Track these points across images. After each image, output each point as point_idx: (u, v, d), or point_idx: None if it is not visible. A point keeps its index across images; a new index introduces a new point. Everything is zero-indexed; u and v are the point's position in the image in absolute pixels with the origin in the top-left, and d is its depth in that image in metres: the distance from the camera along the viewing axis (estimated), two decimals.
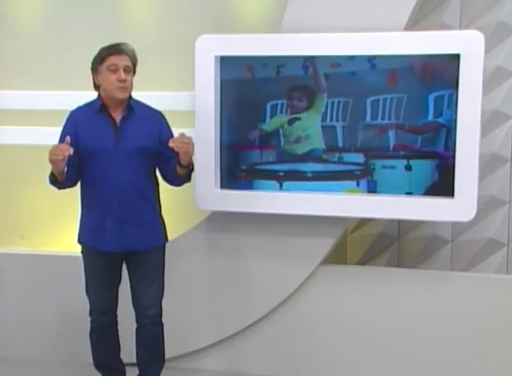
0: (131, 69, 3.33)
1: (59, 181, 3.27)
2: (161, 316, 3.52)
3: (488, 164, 4.01)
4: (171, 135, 3.37)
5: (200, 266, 4.03)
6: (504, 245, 4.14)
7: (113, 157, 3.30)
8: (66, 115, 3.43)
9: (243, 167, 3.82)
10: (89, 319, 3.52)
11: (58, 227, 4.28)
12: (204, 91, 3.73)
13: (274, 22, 3.86)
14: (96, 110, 3.35)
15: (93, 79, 3.37)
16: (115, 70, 3.27)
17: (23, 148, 4.23)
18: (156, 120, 3.44)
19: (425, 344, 3.81)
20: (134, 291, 3.48)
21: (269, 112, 3.75)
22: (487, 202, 4.04)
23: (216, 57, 3.72)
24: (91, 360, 3.61)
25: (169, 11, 4.10)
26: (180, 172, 3.36)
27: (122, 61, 3.29)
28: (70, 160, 3.19)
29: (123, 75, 3.27)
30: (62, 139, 3.31)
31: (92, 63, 3.34)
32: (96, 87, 3.37)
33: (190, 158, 3.31)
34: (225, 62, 3.74)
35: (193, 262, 4.03)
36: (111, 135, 3.32)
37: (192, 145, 3.24)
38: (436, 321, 3.79)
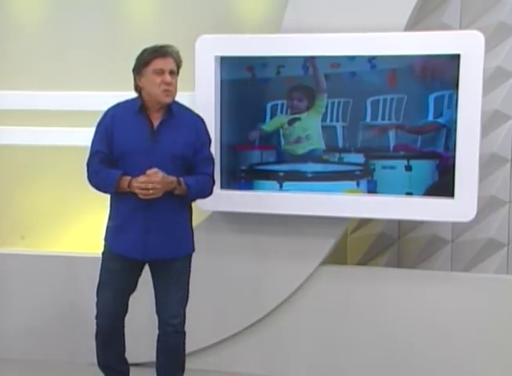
0: (176, 72, 3.26)
1: (108, 191, 3.26)
2: (184, 324, 3.41)
3: (488, 164, 4.01)
4: (206, 141, 3.32)
5: (199, 266, 4.02)
6: (504, 245, 4.14)
7: (146, 160, 3.19)
8: (101, 114, 3.34)
9: (244, 167, 3.82)
10: (95, 321, 3.37)
11: (58, 227, 4.28)
12: (204, 91, 3.73)
13: (274, 22, 3.87)
14: (135, 110, 3.27)
15: (135, 81, 3.28)
16: (161, 74, 3.20)
17: (23, 148, 4.23)
18: (196, 126, 3.34)
19: (425, 344, 3.81)
20: (158, 298, 3.37)
21: (269, 112, 3.75)
22: (487, 202, 4.04)
23: (216, 57, 3.72)
24: (91, 361, 3.59)
25: (170, 11, 4.10)
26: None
27: (168, 65, 3.21)
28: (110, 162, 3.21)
29: (169, 78, 3.19)
30: (98, 136, 3.29)
31: (135, 65, 3.25)
32: (137, 88, 3.29)
33: (181, 190, 3.23)
34: (225, 62, 3.74)
35: (193, 262, 4.02)
36: (147, 138, 3.24)
37: (157, 187, 3.13)
38: (436, 321, 3.79)
